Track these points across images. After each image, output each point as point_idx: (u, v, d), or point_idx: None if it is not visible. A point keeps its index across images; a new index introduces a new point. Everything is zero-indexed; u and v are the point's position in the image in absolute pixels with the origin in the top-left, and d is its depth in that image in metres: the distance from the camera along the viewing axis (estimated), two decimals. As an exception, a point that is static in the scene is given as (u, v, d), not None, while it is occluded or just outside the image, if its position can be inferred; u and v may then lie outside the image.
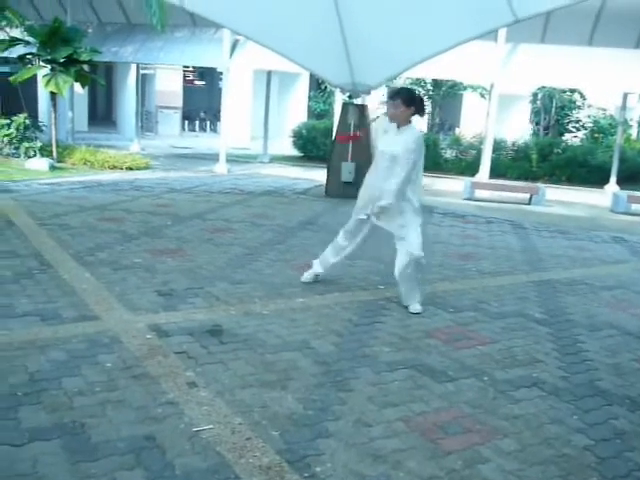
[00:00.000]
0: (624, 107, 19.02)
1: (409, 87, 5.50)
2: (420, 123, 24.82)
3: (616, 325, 5.56)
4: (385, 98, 5.44)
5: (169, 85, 29.70)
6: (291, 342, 4.60)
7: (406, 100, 5.32)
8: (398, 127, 5.38)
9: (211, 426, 3.33)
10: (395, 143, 5.30)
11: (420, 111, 5.41)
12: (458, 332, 5.08)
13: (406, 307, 5.54)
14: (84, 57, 15.34)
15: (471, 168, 18.32)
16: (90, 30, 18.85)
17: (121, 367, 4.00)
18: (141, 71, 22.21)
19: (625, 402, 3.99)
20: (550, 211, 13.22)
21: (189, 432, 3.26)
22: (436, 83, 22.84)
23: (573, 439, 3.46)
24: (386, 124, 5.51)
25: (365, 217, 5.61)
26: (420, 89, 23.09)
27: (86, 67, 16.27)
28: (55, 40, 14.92)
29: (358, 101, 12.57)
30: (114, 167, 15.34)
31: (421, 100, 5.52)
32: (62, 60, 14.98)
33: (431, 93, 23.24)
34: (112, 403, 3.52)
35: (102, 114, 30.01)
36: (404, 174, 5.25)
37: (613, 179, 17.97)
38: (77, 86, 16.91)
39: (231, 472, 2.94)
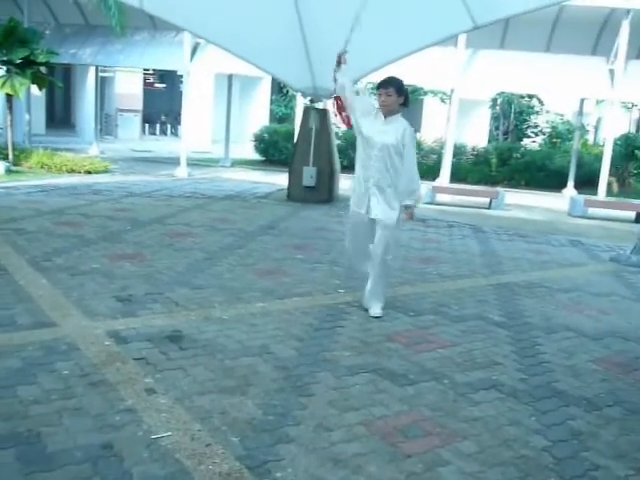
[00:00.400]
0: (581, 112, 19.39)
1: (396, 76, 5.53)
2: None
3: (573, 327, 5.64)
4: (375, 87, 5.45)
5: (129, 88, 29.40)
6: (251, 347, 4.58)
7: (398, 89, 5.27)
8: (385, 117, 5.30)
9: (170, 433, 3.29)
10: (385, 132, 5.24)
11: (407, 101, 5.38)
12: (418, 335, 5.10)
13: (366, 310, 5.55)
14: (41, 59, 15.11)
15: (432, 172, 18.47)
16: (47, 31, 18.57)
17: (78, 374, 3.93)
18: (100, 74, 21.95)
19: (582, 403, 4.05)
20: (509, 215, 13.40)
21: (147, 439, 3.22)
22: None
23: (531, 440, 3.50)
24: (367, 105, 5.49)
25: (363, 211, 5.42)
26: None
27: (43, 69, 16.02)
28: (11, 41, 14.68)
29: (320, 105, 12.60)
30: (72, 171, 15.12)
31: (407, 92, 5.46)
32: (18, 61, 14.74)
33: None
34: (69, 411, 3.46)
35: (60, 117, 29.57)
36: (415, 167, 5.30)
37: (570, 183, 18.31)
38: (34, 88, 16.63)
39: (190, 479, 2.91)
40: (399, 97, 5.26)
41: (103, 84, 25.44)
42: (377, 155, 5.25)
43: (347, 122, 5.55)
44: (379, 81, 5.38)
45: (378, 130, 5.26)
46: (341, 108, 5.57)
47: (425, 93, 23.92)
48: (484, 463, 3.22)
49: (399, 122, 5.30)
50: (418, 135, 25.18)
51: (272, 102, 29.60)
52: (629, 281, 7.77)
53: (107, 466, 2.97)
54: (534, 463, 3.26)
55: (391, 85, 5.26)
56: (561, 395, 4.15)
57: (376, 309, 5.50)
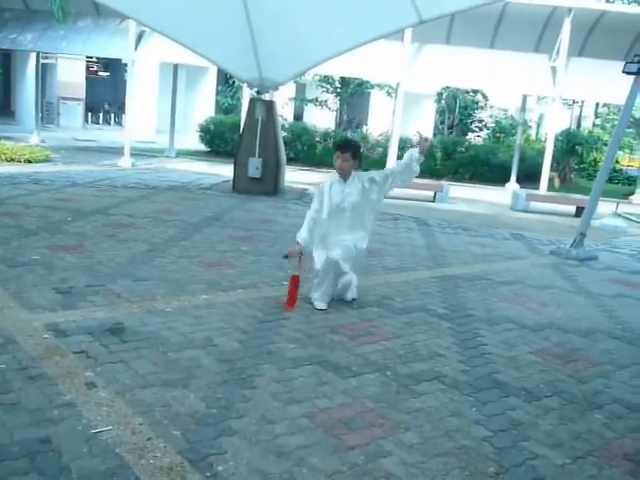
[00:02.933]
0: (523, 108, 19.80)
1: (353, 139, 5.79)
2: (328, 121, 24.97)
3: (514, 319, 5.76)
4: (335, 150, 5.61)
5: (72, 75, 28.71)
6: (194, 340, 4.53)
7: (355, 153, 5.53)
8: (345, 180, 5.55)
9: (110, 427, 3.23)
10: (350, 194, 5.50)
11: (360, 161, 5.65)
12: (362, 328, 5.13)
13: (311, 303, 5.55)
14: (-21, 44, 14.63)
15: (377, 166, 18.55)
16: (-15, 16, 17.99)
17: (16, 368, 3.83)
18: (42, 60, 21.38)
19: (522, 393, 4.13)
20: (454, 208, 13.59)
21: (87, 434, 3.16)
22: (344, 81, 23.03)
23: (472, 431, 3.56)
24: (325, 186, 5.61)
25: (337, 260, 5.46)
26: (328, 87, 23.24)
27: (-19, 54, 15.52)
28: (-53, 25, 14.17)
29: (266, 97, 12.54)
30: (11, 159, 14.71)
31: (361, 151, 5.78)
32: (-46, 46, 14.24)
33: (339, 91, 23.42)
34: (5, 406, 3.37)
35: (0, 104, 28.74)
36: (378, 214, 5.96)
37: (513, 178, 18.69)
38: (-29, 74, 16.12)
39: (131, 474, 2.87)
40: (354, 160, 5.51)
41: (44, 71, 24.78)
42: (349, 216, 5.54)
43: (291, 301, 5.47)
44: (338, 143, 5.77)
45: (343, 195, 5.52)
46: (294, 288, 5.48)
47: (372, 86, 24.02)
48: (426, 454, 3.26)
49: (357, 179, 5.56)
50: (365, 128, 25.36)
51: (218, 93, 29.29)
52: (569, 274, 7.96)
53: (45, 461, 2.91)
54: (474, 453, 3.31)
55: (349, 150, 5.51)
56: (501, 386, 4.22)
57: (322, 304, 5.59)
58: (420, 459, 3.20)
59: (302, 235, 5.50)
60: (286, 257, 5.55)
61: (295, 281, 5.41)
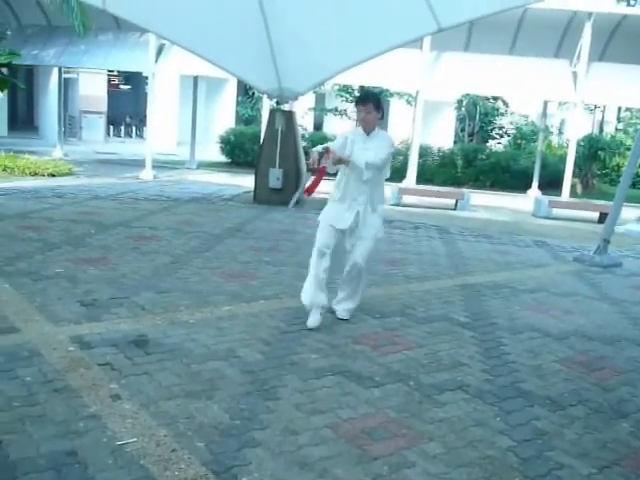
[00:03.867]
0: (545, 114, 19.68)
1: (373, 90, 5.26)
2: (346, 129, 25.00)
3: (537, 327, 5.71)
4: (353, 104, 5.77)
5: (93, 89, 29.04)
6: (217, 351, 4.55)
7: (376, 104, 5.21)
8: (368, 133, 5.22)
9: (135, 439, 3.26)
10: (366, 149, 5.14)
11: (382, 116, 5.33)
12: (385, 337, 5.12)
13: (333, 312, 5.54)
14: (2, 60, 14.79)
15: (398, 174, 18.56)
16: (9, 32, 18.27)
17: (41, 381, 3.87)
18: (64, 75, 21.67)
19: (546, 403, 4.10)
20: (475, 216, 13.53)
21: (112, 446, 3.18)
22: (363, 90, 23.06)
23: (496, 441, 3.53)
24: (349, 134, 5.30)
25: (345, 228, 5.26)
26: (347, 96, 23.29)
27: (5, 70, 15.73)
28: (-29, 42, 14.41)
29: (286, 107, 12.59)
30: (35, 174, 14.89)
31: (382, 104, 5.42)
32: (-21, 63, 14.45)
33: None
34: (32, 418, 3.40)
35: (23, 119, 29.16)
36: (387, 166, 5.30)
37: (535, 184, 18.55)
38: (-4, 90, 16.34)
39: (155, 486, 2.89)
40: (377, 113, 5.21)
41: (67, 85, 25.10)
42: (366, 173, 5.12)
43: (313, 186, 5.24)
44: (357, 97, 5.34)
45: (363, 148, 5.16)
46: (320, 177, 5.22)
47: (391, 95, 24.01)
48: (449, 464, 3.24)
49: (382, 136, 5.29)
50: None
51: (238, 104, 29.47)
52: (592, 281, 7.89)
53: (71, 473, 2.93)
54: (499, 463, 3.29)
55: (370, 101, 5.21)
56: (526, 395, 4.19)
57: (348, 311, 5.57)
58: (444, 469, 3.19)
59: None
60: (310, 171, 5.18)
61: (322, 171, 5.06)
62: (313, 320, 5.23)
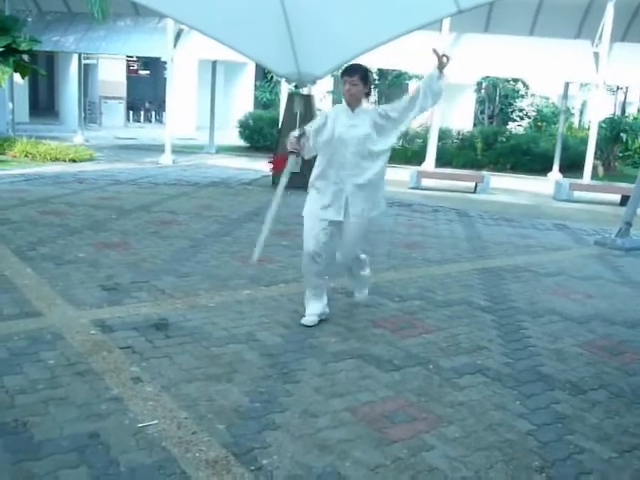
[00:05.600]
0: (565, 96, 19.44)
1: (361, 64, 4.72)
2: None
3: (558, 311, 5.68)
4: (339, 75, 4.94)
5: (113, 75, 29.13)
6: (237, 334, 4.58)
7: (364, 78, 4.70)
8: (353, 109, 4.70)
9: (156, 421, 3.29)
10: (356, 126, 4.65)
11: (369, 91, 4.84)
12: (404, 321, 5.13)
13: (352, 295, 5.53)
14: (23, 47, 14.95)
15: (417, 157, 18.50)
16: (30, 19, 18.35)
17: (64, 364, 3.92)
18: (83, 61, 21.75)
19: (567, 386, 4.08)
20: (495, 199, 13.44)
21: (134, 428, 3.22)
22: (382, 73, 22.93)
23: (516, 424, 3.53)
24: (318, 121, 4.77)
25: (339, 219, 4.77)
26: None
27: (26, 57, 15.84)
28: (-8, 29, 14.52)
29: (304, 91, 12.54)
30: (57, 159, 15.00)
31: (371, 79, 5.02)
32: (0, 50, 14.55)
33: (377, 83, 23.32)
34: (55, 401, 3.45)
35: (44, 105, 29.31)
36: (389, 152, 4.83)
37: (556, 167, 18.38)
38: (17, 76, 16.46)
39: (177, 467, 2.92)
40: (365, 86, 4.69)
41: (86, 71, 25.18)
42: (353, 152, 4.66)
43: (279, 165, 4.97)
44: (343, 68, 4.83)
45: (348, 125, 4.67)
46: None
47: (410, 78, 23.85)
48: (469, 447, 3.24)
49: (367, 112, 4.73)
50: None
51: (256, 88, 29.44)
52: (614, 264, 7.82)
53: (94, 455, 2.97)
54: (519, 447, 3.29)
55: (356, 73, 4.68)
56: (546, 379, 4.18)
57: (363, 295, 5.43)
58: (463, 453, 3.19)
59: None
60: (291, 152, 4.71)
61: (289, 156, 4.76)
62: (308, 319, 4.92)
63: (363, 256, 5.20)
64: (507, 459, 3.17)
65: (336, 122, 4.69)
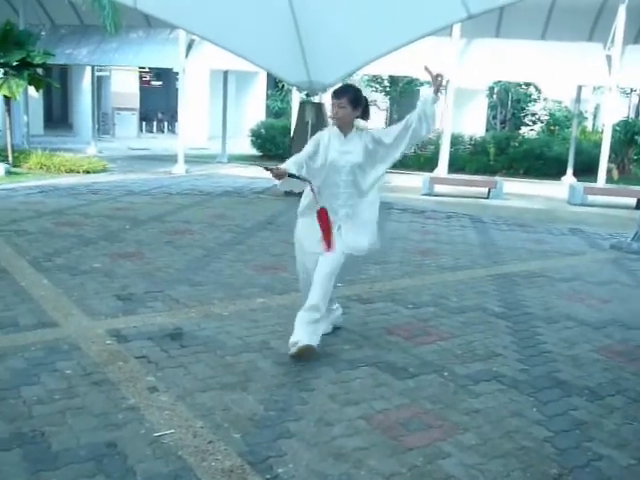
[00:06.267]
0: (578, 99, 19.36)
1: (355, 85, 4.38)
2: (376, 120, 24.89)
3: (574, 316, 5.64)
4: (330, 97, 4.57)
5: (125, 86, 29.32)
6: (251, 343, 4.59)
7: (353, 100, 4.39)
8: (345, 134, 4.44)
9: (172, 430, 3.30)
10: (349, 152, 4.41)
11: (365, 114, 4.54)
12: (418, 328, 5.11)
13: (368, 302, 5.51)
14: (37, 60, 15.09)
15: (430, 163, 18.45)
16: (43, 33, 18.55)
17: (81, 374, 3.95)
18: (96, 73, 21.92)
19: (584, 393, 4.05)
20: (508, 204, 13.40)
21: (150, 437, 3.23)
22: (393, 79, 22.95)
23: (533, 431, 3.51)
24: (323, 136, 4.51)
25: (319, 251, 4.44)
26: (377, 86, 23.18)
27: (40, 70, 15.99)
28: (7, 43, 14.68)
29: (315, 99, 12.58)
30: (71, 171, 15.11)
31: (367, 102, 4.60)
32: (15, 64, 14.72)
33: (388, 89, 23.35)
34: (72, 410, 3.48)
35: (58, 117, 29.53)
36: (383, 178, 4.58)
37: (570, 171, 18.28)
38: (31, 89, 16.62)
39: (193, 476, 2.92)
40: (354, 109, 4.39)
41: (99, 83, 25.39)
42: (345, 180, 4.42)
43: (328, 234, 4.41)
44: (333, 90, 4.55)
45: (341, 151, 4.41)
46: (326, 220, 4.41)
47: (421, 84, 23.85)
48: (485, 455, 3.23)
49: (360, 136, 4.45)
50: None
51: (268, 97, 29.57)
52: (630, 268, 7.77)
53: (111, 464, 2.99)
54: (536, 454, 3.27)
55: (344, 95, 4.38)
56: (563, 385, 4.15)
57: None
58: (480, 460, 3.17)
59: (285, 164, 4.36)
60: (268, 169, 4.21)
61: (323, 216, 4.39)
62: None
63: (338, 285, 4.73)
64: (524, 466, 3.15)
65: (329, 148, 4.42)
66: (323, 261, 4.39)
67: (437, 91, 4.29)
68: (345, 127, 4.44)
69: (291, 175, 4.19)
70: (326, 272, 4.37)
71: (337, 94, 4.41)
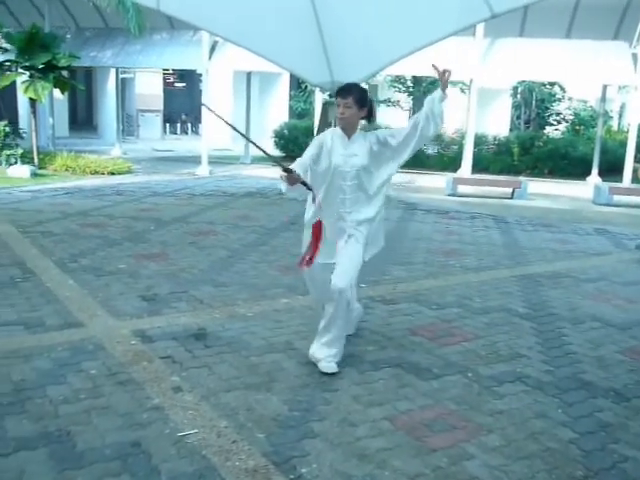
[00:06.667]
0: (604, 99, 19.15)
1: (361, 85, 4.36)
2: (400, 121, 24.85)
3: (599, 317, 5.59)
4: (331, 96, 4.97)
5: (149, 88, 29.54)
6: (275, 343, 4.60)
7: (359, 100, 4.16)
8: (349, 136, 4.20)
9: (196, 430, 3.32)
10: (354, 155, 4.16)
11: (371, 116, 4.30)
12: (442, 329, 5.10)
13: (391, 303, 5.52)
14: (63, 63, 15.27)
15: (453, 164, 18.36)
16: (68, 35, 18.78)
17: (106, 374, 3.99)
18: (121, 75, 22.12)
19: (610, 394, 4.02)
20: (533, 205, 13.29)
21: (175, 437, 3.26)
22: (416, 80, 22.87)
23: (558, 433, 3.48)
24: (326, 138, 4.24)
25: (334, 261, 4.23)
26: (400, 87, 23.12)
27: (65, 72, 16.18)
28: (33, 46, 14.86)
29: (338, 100, 12.57)
30: (96, 172, 15.26)
31: (372, 102, 4.35)
32: (41, 66, 14.91)
33: (411, 90, 23.27)
34: (97, 410, 3.51)
35: (83, 119, 29.85)
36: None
37: (595, 171, 18.09)
38: (57, 92, 16.81)
39: (217, 476, 2.94)
40: (360, 109, 4.16)
41: (124, 85, 25.62)
42: (351, 185, 4.18)
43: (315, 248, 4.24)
44: (337, 89, 4.29)
45: (345, 155, 4.17)
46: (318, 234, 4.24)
47: (445, 84, 23.76)
48: (510, 457, 3.21)
49: (365, 138, 4.22)
50: (439, 127, 25.05)
51: (291, 98, 29.59)
52: (656, 269, 7.68)
53: (136, 463, 3.02)
54: (561, 456, 3.24)
55: (350, 94, 4.13)
56: (588, 386, 4.12)
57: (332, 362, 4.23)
58: (504, 462, 3.16)
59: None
60: (287, 170, 3.86)
61: (317, 230, 4.23)
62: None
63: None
64: (549, 468, 3.13)
65: (332, 151, 4.16)
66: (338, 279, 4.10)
67: (444, 88, 4.13)
68: (349, 128, 4.21)
69: (303, 182, 3.98)
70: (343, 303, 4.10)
71: (343, 93, 4.16)
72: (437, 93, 4.14)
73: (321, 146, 4.19)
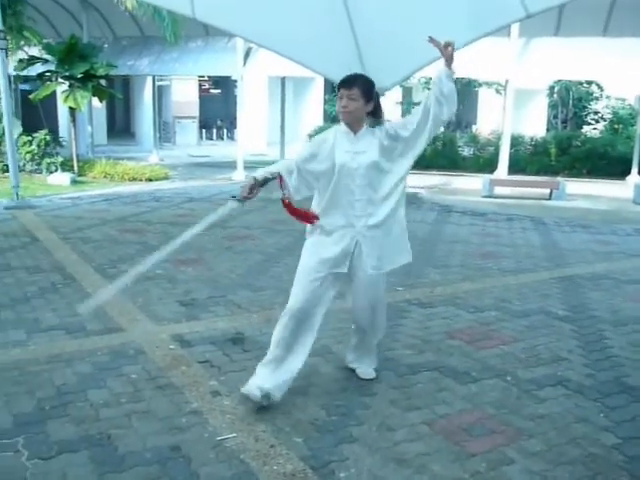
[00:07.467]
0: (643, 97, 18.83)
1: (367, 75, 3.72)
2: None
3: (641, 319, 5.49)
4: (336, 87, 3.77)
5: (185, 95, 29.89)
6: (313, 348, 4.59)
7: (365, 92, 3.66)
8: (355, 132, 3.72)
9: (235, 434, 3.34)
10: (362, 152, 3.68)
11: (377, 111, 3.76)
12: (480, 332, 5.05)
13: (428, 306, 5.48)
14: (101, 72, 15.53)
15: (489, 165, 18.21)
16: (106, 45, 19.09)
17: (146, 378, 4.03)
18: (157, 83, 22.40)
19: (653, 398, 3.95)
20: (571, 205, 13.11)
21: (213, 441, 3.28)
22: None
23: (600, 438, 3.42)
24: (328, 136, 3.80)
25: (343, 271, 3.85)
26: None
27: (103, 81, 16.45)
28: (72, 57, 15.17)
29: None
30: (134, 179, 15.48)
31: (379, 97, 3.81)
32: (79, 76, 15.19)
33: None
34: (137, 414, 3.56)
35: (120, 127, 30.32)
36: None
37: (635, 170, 17.79)
38: (95, 100, 17.09)
39: (255, 480, 2.96)
40: (366, 103, 3.66)
41: (160, 93, 25.94)
42: (360, 185, 3.69)
43: (306, 217, 4.02)
44: (340, 79, 3.76)
45: (352, 152, 3.69)
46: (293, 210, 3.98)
47: (479, 85, 23.60)
48: (551, 462, 3.16)
49: (373, 133, 3.73)
50: (474, 128, 24.89)
51: (325, 102, 29.64)
52: (699, 269, 7.51)
53: (175, 467, 3.04)
54: (604, 461, 3.19)
55: (355, 85, 3.64)
56: (631, 390, 4.04)
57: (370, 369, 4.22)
58: (545, 467, 3.11)
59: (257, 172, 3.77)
60: (235, 197, 3.84)
61: (288, 206, 3.91)
62: (247, 389, 3.70)
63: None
64: (592, 474, 3.08)
65: (335, 149, 3.70)
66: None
67: (450, 64, 3.61)
68: (355, 124, 3.71)
69: (264, 181, 3.71)
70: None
71: (346, 84, 3.66)
72: (443, 71, 3.63)
73: (320, 145, 3.77)
